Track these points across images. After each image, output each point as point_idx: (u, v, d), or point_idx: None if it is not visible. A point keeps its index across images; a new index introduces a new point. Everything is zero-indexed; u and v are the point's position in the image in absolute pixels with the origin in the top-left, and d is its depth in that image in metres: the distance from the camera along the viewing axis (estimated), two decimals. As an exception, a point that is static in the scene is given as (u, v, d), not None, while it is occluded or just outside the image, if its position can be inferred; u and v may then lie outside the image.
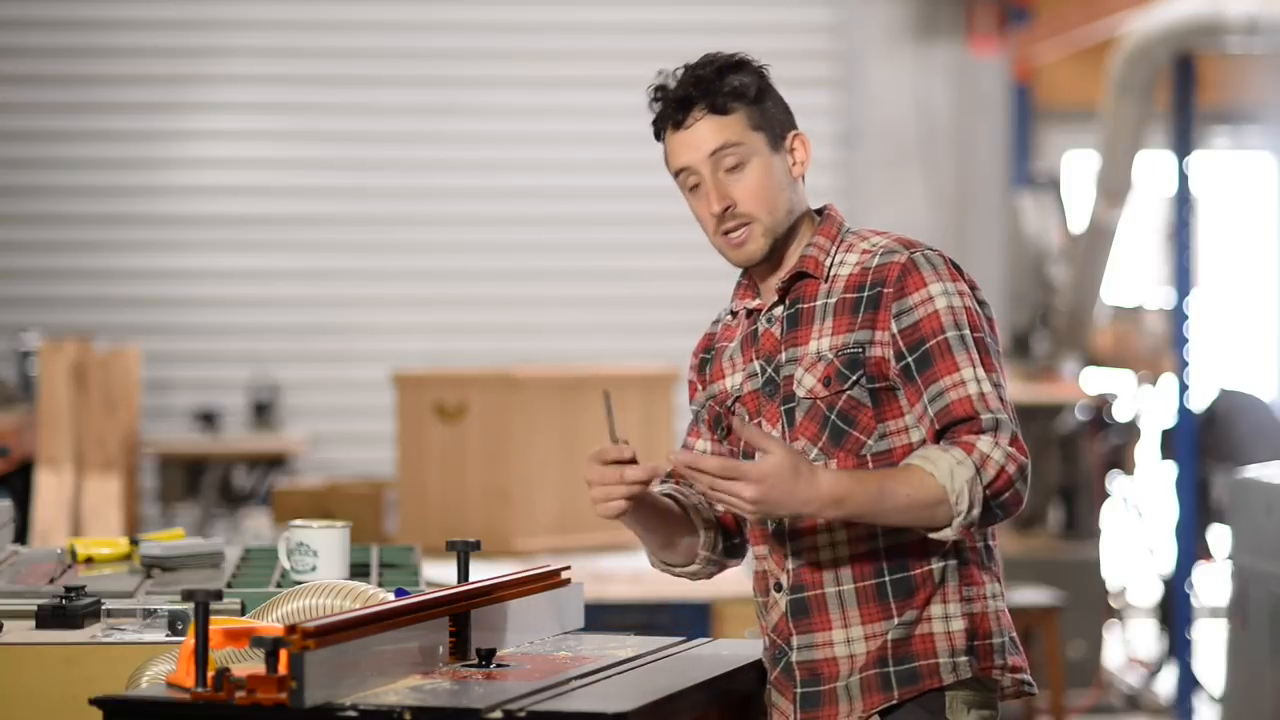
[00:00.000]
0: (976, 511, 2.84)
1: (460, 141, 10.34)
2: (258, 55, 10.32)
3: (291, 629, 2.59)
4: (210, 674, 2.63)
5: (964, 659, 2.94)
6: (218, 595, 2.68)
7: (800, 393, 3.01)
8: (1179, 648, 8.03)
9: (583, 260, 10.30)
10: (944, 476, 2.84)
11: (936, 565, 2.95)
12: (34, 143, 10.19)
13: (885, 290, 2.97)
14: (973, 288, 3.01)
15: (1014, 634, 3.04)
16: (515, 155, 10.31)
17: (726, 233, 3.03)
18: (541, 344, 10.05)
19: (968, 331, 2.94)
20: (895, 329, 2.95)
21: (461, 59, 10.35)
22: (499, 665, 2.93)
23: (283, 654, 2.59)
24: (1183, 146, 7.99)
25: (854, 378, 2.97)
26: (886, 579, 2.96)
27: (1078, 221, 8.88)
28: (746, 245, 3.03)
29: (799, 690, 3.01)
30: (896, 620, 2.95)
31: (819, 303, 3.03)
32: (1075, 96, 10.37)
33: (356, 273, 10.30)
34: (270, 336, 10.24)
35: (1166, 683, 8.47)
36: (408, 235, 10.32)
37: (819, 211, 3.11)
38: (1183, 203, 8.02)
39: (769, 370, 3.06)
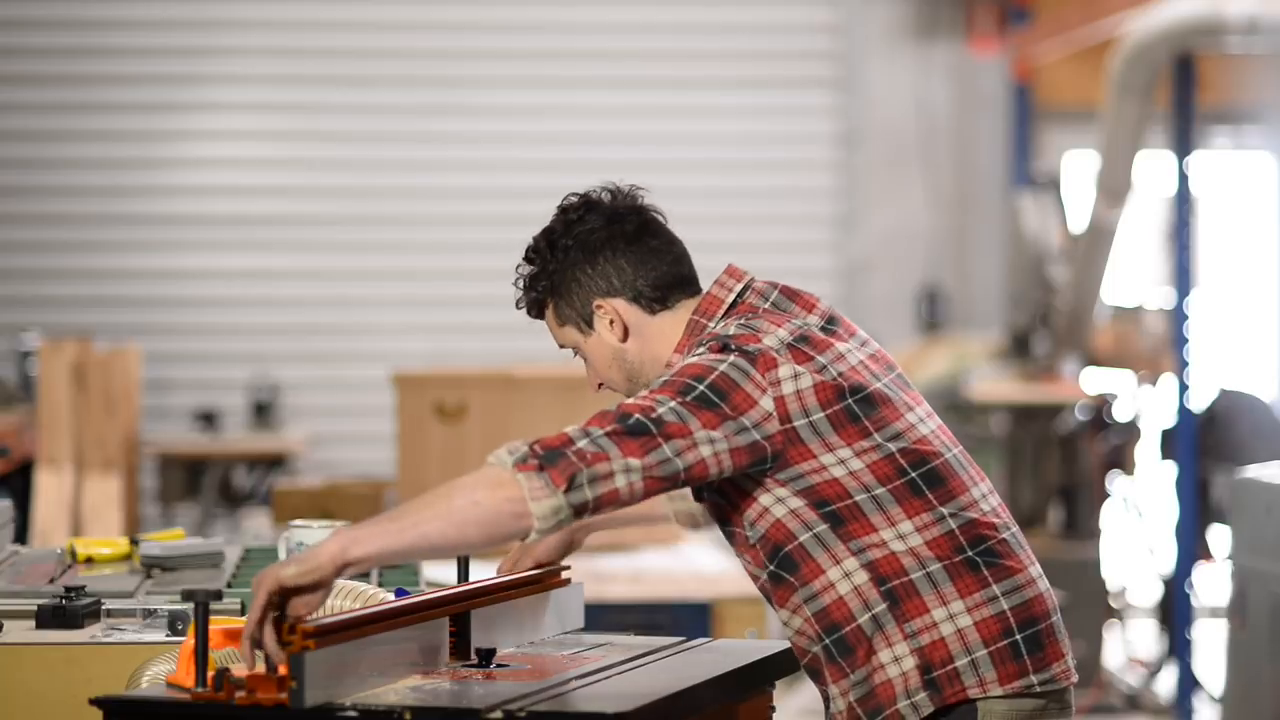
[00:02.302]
0: (524, 449, 2.75)
1: (460, 141, 10.34)
2: (258, 55, 10.33)
3: (292, 629, 2.60)
4: (210, 674, 2.64)
5: (921, 695, 2.90)
6: (218, 595, 2.68)
7: None
8: (1179, 648, 8.02)
9: (583, 260, 10.27)
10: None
11: (863, 618, 2.91)
12: (34, 143, 10.19)
13: None
14: (751, 356, 2.92)
15: (1010, 639, 2.91)
16: (515, 155, 10.31)
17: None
18: (541, 344, 9.95)
19: (670, 375, 2.93)
20: None
21: (461, 59, 10.34)
22: (499, 665, 2.93)
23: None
24: (1183, 146, 7.98)
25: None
26: (827, 641, 2.95)
27: (1078, 221, 8.87)
28: None
29: None
30: (853, 677, 2.93)
31: None
32: (1075, 96, 10.36)
33: (356, 273, 10.30)
34: (270, 336, 10.24)
35: (1166, 683, 8.47)
36: (408, 235, 10.32)
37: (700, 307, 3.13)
38: (1183, 203, 8.02)
39: None
